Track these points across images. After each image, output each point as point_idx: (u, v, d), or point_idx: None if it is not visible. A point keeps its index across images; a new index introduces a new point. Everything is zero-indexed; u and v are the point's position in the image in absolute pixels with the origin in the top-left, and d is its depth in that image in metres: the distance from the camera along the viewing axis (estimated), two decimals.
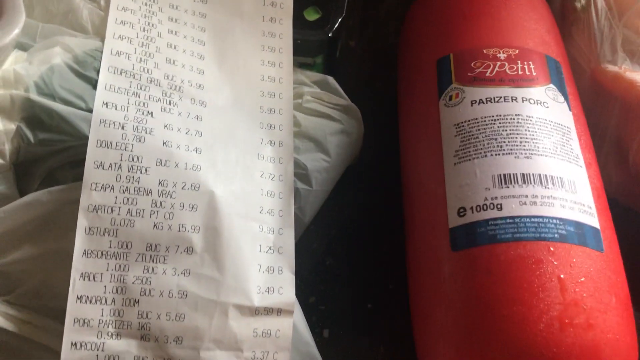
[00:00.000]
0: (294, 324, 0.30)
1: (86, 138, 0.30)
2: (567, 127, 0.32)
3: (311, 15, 0.39)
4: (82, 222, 0.29)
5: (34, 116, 0.30)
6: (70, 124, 0.30)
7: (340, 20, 0.38)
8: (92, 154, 0.29)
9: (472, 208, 0.30)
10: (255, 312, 0.30)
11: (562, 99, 0.33)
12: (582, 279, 0.28)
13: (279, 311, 0.30)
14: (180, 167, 0.30)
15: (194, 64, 0.34)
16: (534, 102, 0.32)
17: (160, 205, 0.30)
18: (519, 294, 0.27)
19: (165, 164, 0.30)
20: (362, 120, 0.38)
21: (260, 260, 0.31)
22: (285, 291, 0.30)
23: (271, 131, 0.34)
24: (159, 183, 0.30)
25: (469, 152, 0.32)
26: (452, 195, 0.31)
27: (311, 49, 0.38)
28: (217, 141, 0.32)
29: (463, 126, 0.33)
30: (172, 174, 0.30)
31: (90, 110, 0.30)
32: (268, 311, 0.30)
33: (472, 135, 0.32)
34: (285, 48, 0.37)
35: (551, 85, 0.33)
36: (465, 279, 0.29)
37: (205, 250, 0.30)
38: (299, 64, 0.39)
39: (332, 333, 0.36)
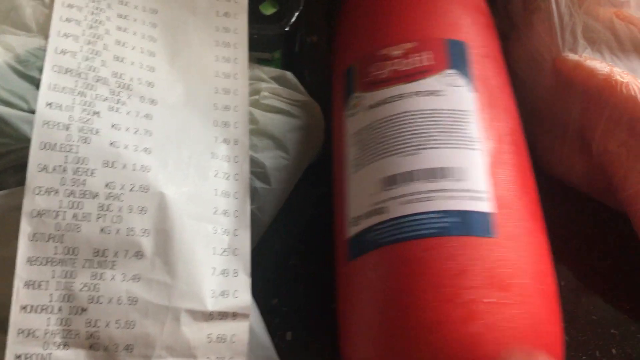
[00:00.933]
0: (250, 328, 0.29)
1: (29, 141, 0.28)
2: (464, 111, 0.31)
3: (267, 9, 0.37)
4: (25, 228, 0.27)
5: None
6: (11, 126, 0.29)
7: (297, 14, 0.37)
8: (35, 156, 0.28)
9: (361, 216, 0.30)
10: (209, 316, 0.29)
11: (462, 81, 0.31)
12: (465, 271, 0.26)
13: (234, 315, 0.29)
14: (129, 168, 0.29)
15: (144, 61, 0.33)
16: (426, 94, 0.31)
17: (108, 208, 0.28)
18: (401, 298, 0.27)
19: (112, 165, 0.29)
20: (322, 116, 0.37)
21: (214, 263, 0.29)
22: (241, 294, 0.29)
23: (226, 129, 0.33)
24: (106, 185, 0.29)
25: (364, 159, 0.31)
26: (350, 205, 0.31)
27: (268, 43, 0.37)
28: (169, 140, 0.31)
29: (360, 134, 0.32)
30: (120, 175, 0.29)
31: (33, 112, 0.29)
32: (222, 315, 0.29)
33: (366, 141, 0.32)
34: (241, 43, 0.35)
35: (449, 71, 0.32)
36: (355, 289, 0.29)
37: (155, 254, 0.28)
38: (256, 60, 0.38)
39: (295, 335, 0.35)
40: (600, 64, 0.34)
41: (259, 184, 0.34)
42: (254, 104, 0.35)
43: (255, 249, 0.35)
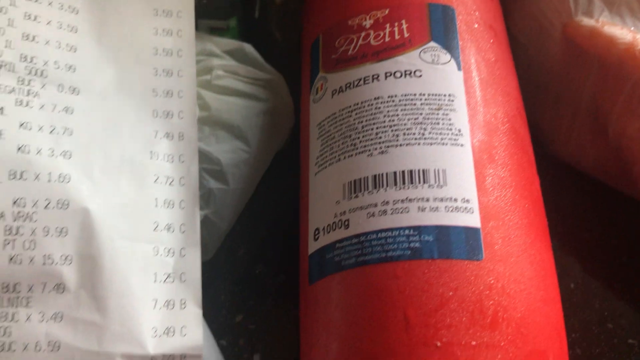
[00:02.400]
0: None
1: None
2: (448, 96, 0.25)
3: None
4: None
5: None
6: None
7: None
8: None
9: (324, 229, 0.24)
10: None
11: (446, 57, 0.25)
12: (444, 304, 0.21)
13: (183, 357, 0.24)
14: (42, 180, 0.23)
15: (63, 39, 0.26)
16: (400, 75, 0.25)
17: (17, 232, 0.23)
18: (364, 339, 0.21)
19: (21, 176, 0.23)
20: (290, 94, 0.31)
21: (155, 293, 0.24)
22: (190, 331, 0.24)
23: (168, 120, 0.27)
24: (14, 203, 0.23)
25: (327, 157, 0.26)
26: (311, 214, 0.25)
27: (222, 9, 0.31)
28: (95, 139, 0.25)
29: (323, 125, 0.26)
30: (32, 189, 0.23)
31: None
32: (168, 359, 0.23)
33: (330, 135, 0.26)
34: (186, 11, 0.29)
35: (430, 44, 0.26)
36: (314, 320, 0.24)
37: (81, 287, 0.23)
38: (208, 29, 0.32)
39: (265, 357, 0.30)
40: (621, 31, 0.28)
41: (214, 184, 0.28)
42: (205, 86, 0.29)
43: (214, 257, 0.30)
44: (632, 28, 0.29)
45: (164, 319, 0.24)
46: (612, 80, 0.29)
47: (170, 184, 0.26)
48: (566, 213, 0.32)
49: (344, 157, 0.25)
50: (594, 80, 0.29)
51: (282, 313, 0.31)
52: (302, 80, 0.30)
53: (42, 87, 0.25)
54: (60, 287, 0.23)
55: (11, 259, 0.22)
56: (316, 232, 0.25)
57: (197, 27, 0.30)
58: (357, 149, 0.25)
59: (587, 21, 0.29)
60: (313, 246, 0.25)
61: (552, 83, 0.31)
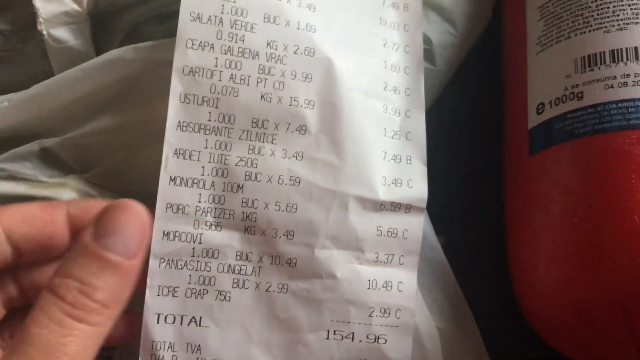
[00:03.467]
0: None
1: None
2: None
3: None
4: (176, 87, 0.23)
5: None
6: None
7: None
8: (188, 2, 0.23)
9: (550, 102, 0.25)
10: (380, 206, 0.24)
11: None
12: None
13: (408, 207, 0.25)
14: (292, 26, 0.24)
15: None
16: None
17: (269, 72, 0.24)
18: (603, 205, 0.22)
19: (274, 20, 0.24)
20: None
21: (385, 146, 0.25)
22: (416, 184, 0.25)
23: None
24: (267, 44, 0.24)
25: (552, 36, 0.26)
26: (533, 90, 0.26)
27: None
28: (333, 0, 0.26)
29: (547, 6, 0.26)
30: (283, 33, 0.24)
31: None
32: (395, 207, 0.25)
33: (556, 15, 0.26)
34: None
35: None
36: (538, 189, 0.24)
37: (321, 131, 0.24)
38: None
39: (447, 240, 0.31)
40: None
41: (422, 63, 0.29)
42: None
43: None
44: None
45: (393, 170, 0.25)
46: None
47: (396, 50, 0.27)
48: None
49: (575, 34, 0.25)
50: None
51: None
52: None
53: None
54: (302, 129, 0.24)
55: (262, 96, 0.24)
56: (539, 107, 0.25)
57: None
58: (591, 25, 0.25)
59: None
60: (535, 120, 0.25)
61: None
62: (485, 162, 0.31)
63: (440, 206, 0.29)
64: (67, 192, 0.25)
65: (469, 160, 0.32)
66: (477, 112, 0.33)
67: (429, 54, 0.29)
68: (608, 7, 0.25)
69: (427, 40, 0.29)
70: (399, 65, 0.27)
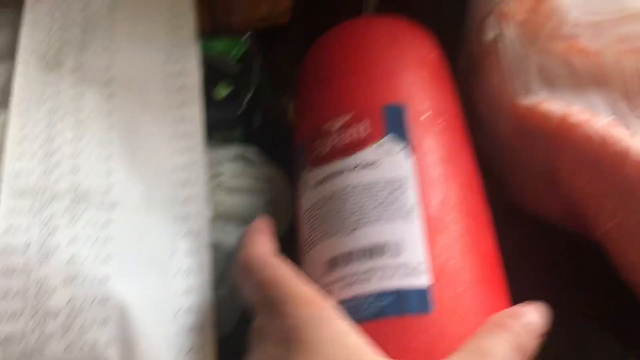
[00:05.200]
0: None
1: None
2: (400, 180, 0.30)
3: (222, 91, 0.38)
4: None
5: None
6: None
7: (247, 98, 0.37)
8: None
9: None
10: None
11: (398, 148, 0.31)
12: (400, 355, 0.25)
13: None
14: (88, 282, 0.30)
15: (101, 168, 0.34)
16: (363, 167, 0.31)
17: (71, 326, 0.29)
18: None
19: (72, 282, 0.30)
20: (288, 188, 0.38)
21: None
22: None
23: (186, 223, 0.34)
24: (67, 303, 0.30)
25: (312, 239, 0.31)
26: None
27: (225, 126, 0.38)
28: (129, 244, 0.32)
29: (309, 213, 0.32)
30: (81, 290, 0.30)
31: None
32: None
33: (314, 221, 0.32)
34: (196, 132, 0.36)
35: (384, 139, 0.31)
36: None
37: None
38: (221, 138, 0.39)
39: None
40: (554, 107, 0.33)
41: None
42: (217, 187, 0.36)
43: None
44: (569, 100, 0.33)
45: None
46: (553, 150, 0.33)
47: (187, 276, 0.32)
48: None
49: (325, 238, 0.30)
50: (540, 150, 0.34)
51: None
52: (293, 175, 0.36)
53: (85, 209, 0.32)
54: None
55: (66, 347, 0.29)
56: None
57: (212, 138, 0.37)
58: (333, 230, 0.30)
59: (527, 101, 0.34)
60: None
61: (508, 152, 0.36)
62: None
63: None
64: None
65: None
66: None
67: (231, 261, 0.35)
68: (343, 213, 0.30)
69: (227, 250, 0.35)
70: (191, 289, 0.32)
